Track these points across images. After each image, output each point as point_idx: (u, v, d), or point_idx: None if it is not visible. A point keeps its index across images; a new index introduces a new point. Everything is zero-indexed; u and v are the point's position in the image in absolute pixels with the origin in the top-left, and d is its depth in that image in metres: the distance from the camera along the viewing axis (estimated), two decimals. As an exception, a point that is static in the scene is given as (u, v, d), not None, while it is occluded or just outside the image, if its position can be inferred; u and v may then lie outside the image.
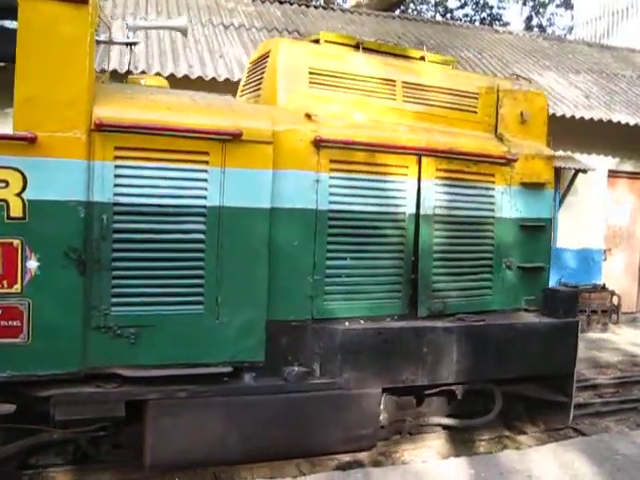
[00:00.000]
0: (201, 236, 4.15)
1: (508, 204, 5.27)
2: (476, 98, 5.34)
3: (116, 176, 3.91)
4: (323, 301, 4.53)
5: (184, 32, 5.07)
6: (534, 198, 5.42)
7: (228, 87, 7.17)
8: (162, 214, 4.05)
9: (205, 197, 4.14)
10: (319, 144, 4.44)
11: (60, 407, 3.85)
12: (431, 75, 5.23)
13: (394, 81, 5.04)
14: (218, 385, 4.17)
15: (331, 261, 4.54)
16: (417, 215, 4.83)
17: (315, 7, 14.09)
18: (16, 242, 3.71)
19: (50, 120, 3.72)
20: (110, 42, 4.84)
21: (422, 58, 5.34)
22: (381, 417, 4.82)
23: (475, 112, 5.34)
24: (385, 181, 4.72)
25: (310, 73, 4.77)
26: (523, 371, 5.07)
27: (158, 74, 7.49)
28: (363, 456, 4.96)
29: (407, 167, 4.79)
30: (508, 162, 5.21)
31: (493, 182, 5.19)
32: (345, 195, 4.58)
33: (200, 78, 8.55)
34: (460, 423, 5.30)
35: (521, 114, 5.45)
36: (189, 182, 4.11)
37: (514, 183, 5.28)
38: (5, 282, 3.70)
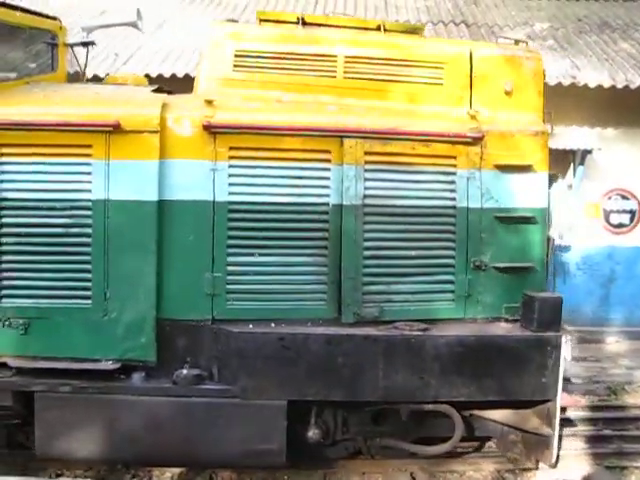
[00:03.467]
0: (87, 230, 4.08)
1: (477, 191, 4.41)
2: (441, 68, 4.54)
3: (-2, 172, 3.99)
4: (225, 301, 4.18)
5: (136, 26, 5.03)
6: (517, 184, 4.48)
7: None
8: (47, 208, 4.05)
9: (90, 190, 4.06)
10: (214, 131, 4.10)
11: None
12: (383, 46, 4.57)
13: (335, 56, 4.49)
14: (103, 382, 4.06)
15: (234, 257, 4.18)
16: (349, 206, 4.24)
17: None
18: None
19: None
20: (66, 45, 4.96)
21: (379, 28, 4.68)
22: (310, 433, 4.35)
23: (440, 84, 4.54)
24: (301, 168, 4.22)
25: (236, 56, 4.44)
26: (481, 394, 4.20)
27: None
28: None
29: (329, 152, 4.23)
30: (474, 141, 4.35)
31: (454, 166, 4.37)
32: (249, 185, 4.18)
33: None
34: (416, 448, 4.58)
35: (504, 83, 4.52)
36: (73, 176, 4.07)
37: (486, 166, 4.41)
38: None
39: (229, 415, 4.06)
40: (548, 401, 4.23)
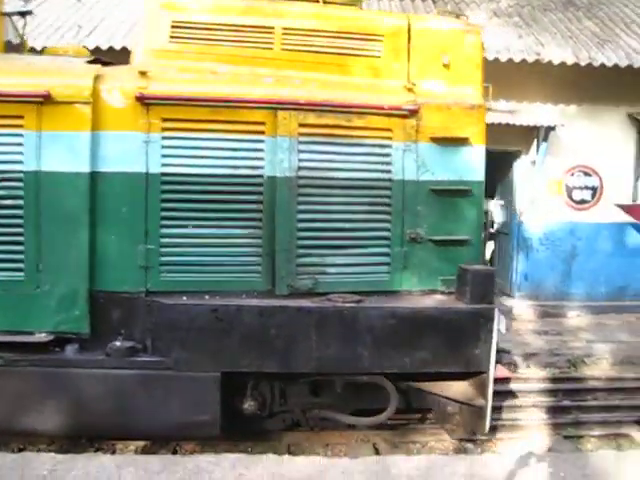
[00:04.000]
0: (19, 202, 4.05)
1: (413, 164, 4.43)
2: (379, 40, 4.53)
3: None
4: (159, 273, 4.19)
5: None
6: (453, 157, 4.50)
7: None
8: (-23, 180, 4.01)
9: (21, 162, 4.02)
10: (147, 102, 4.07)
11: None
12: (322, 18, 4.54)
13: (272, 28, 4.46)
14: (37, 355, 4.06)
15: (167, 229, 4.18)
16: (283, 178, 4.24)
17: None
18: None
19: None
20: (2, 14, 4.88)
21: (317, 0, 4.65)
22: (246, 405, 4.40)
23: (378, 57, 4.53)
24: (234, 140, 4.21)
25: (173, 27, 4.40)
26: (415, 366, 4.25)
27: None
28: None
29: (264, 124, 4.22)
30: (410, 114, 4.36)
31: (389, 138, 4.39)
32: (183, 157, 4.17)
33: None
34: (352, 420, 4.65)
35: (442, 56, 4.52)
36: (4, 147, 4.03)
37: (422, 139, 4.42)
38: None
39: (163, 387, 4.08)
40: (482, 373, 4.29)
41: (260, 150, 4.22)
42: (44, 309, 4.08)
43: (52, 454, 4.03)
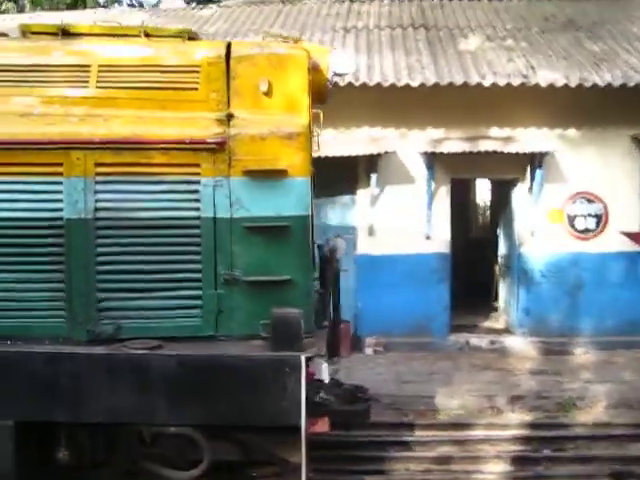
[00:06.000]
0: None
1: (225, 200, 4.16)
2: (197, 72, 4.33)
3: None
4: (-38, 319, 4.14)
5: None
6: (269, 191, 4.19)
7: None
8: None
9: None
10: (-60, 148, 4.09)
11: None
12: (140, 54, 4.42)
13: (89, 66, 4.38)
14: None
15: (-32, 274, 4.14)
16: (79, 220, 4.11)
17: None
18: None
19: None
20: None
21: (146, 35, 4.53)
22: (60, 454, 4.22)
23: (196, 89, 4.33)
24: (32, 183, 4.13)
25: None
26: (215, 419, 3.94)
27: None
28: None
29: (61, 164, 4.12)
30: (219, 147, 4.12)
31: (197, 174, 4.15)
32: (-17, 200, 4.13)
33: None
34: (168, 473, 4.35)
35: (260, 83, 4.26)
36: None
37: (235, 173, 4.16)
38: None
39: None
40: (292, 426, 3.89)
41: (59, 192, 4.12)
42: None
43: None
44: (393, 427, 6.26)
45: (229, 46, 4.38)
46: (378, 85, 8.85)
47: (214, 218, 4.15)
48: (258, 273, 4.17)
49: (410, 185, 9.75)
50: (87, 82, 4.36)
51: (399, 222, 9.51)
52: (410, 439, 6.03)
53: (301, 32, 10.86)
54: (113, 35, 4.58)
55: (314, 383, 4.51)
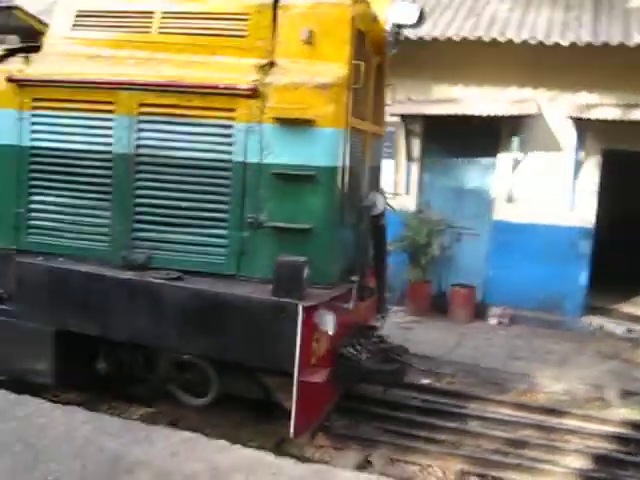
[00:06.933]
0: None
1: (257, 145, 4.27)
2: (245, 20, 4.44)
3: None
4: (27, 235, 4.71)
5: None
6: (298, 140, 4.23)
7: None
8: None
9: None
10: (20, 84, 4.62)
11: None
12: (198, 2, 4.62)
13: (152, 13, 4.67)
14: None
15: (35, 197, 4.69)
16: (123, 155, 4.46)
17: None
18: None
19: None
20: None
21: (207, -17, 4.71)
22: (98, 365, 4.72)
23: (244, 36, 4.45)
24: (90, 118, 4.54)
25: (77, 16, 4.87)
26: (216, 352, 4.18)
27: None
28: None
29: (112, 103, 4.47)
30: (253, 94, 4.23)
31: (232, 118, 4.30)
32: (48, 132, 4.63)
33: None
34: (183, 398, 4.66)
35: (303, 32, 4.28)
36: None
37: (267, 120, 4.25)
38: None
39: (10, 333, 4.60)
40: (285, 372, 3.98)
41: (109, 128, 4.48)
42: None
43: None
44: (479, 400, 5.93)
45: None
46: (525, 43, 8.16)
47: (244, 162, 4.28)
48: (282, 219, 4.25)
49: (556, 152, 8.86)
50: (150, 28, 4.64)
51: (541, 190, 8.80)
52: (493, 416, 5.64)
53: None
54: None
55: (355, 335, 4.68)
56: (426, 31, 8.32)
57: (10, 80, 4.61)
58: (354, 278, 4.63)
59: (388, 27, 4.69)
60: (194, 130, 4.35)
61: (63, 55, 4.72)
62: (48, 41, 4.90)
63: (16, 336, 4.58)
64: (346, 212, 4.44)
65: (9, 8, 5.84)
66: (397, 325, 8.11)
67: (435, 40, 8.30)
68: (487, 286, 9.03)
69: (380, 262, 5.23)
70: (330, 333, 4.13)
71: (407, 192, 9.24)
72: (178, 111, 4.36)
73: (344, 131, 4.27)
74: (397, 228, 8.60)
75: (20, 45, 5.17)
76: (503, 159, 9.01)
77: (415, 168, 9.27)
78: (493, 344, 7.90)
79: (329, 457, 4.76)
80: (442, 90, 8.94)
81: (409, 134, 9.13)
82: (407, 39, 8.03)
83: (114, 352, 4.72)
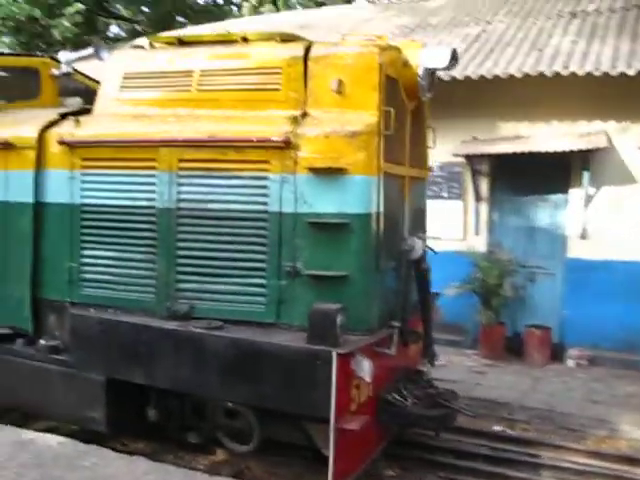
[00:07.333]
0: (-1, 224, 5.26)
1: (291, 195, 4.37)
2: (278, 73, 4.58)
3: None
4: (80, 287, 4.95)
5: (99, 57, 6.04)
6: (331, 188, 4.30)
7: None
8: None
9: (-3, 193, 5.24)
10: (71, 145, 4.91)
11: None
12: (233, 58, 4.80)
13: (191, 72, 4.88)
14: (2, 344, 5.18)
15: (86, 251, 4.93)
16: (165, 210, 4.65)
17: None
18: None
19: None
20: (51, 76, 6.29)
21: (245, 39, 4.90)
22: (149, 412, 4.87)
23: (277, 89, 4.59)
24: (134, 175, 4.76)
25: (124, 78, 5.15)
26: (255, 399, 4.25)
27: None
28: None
29: (154, 160, 4.68)
30: (285, 145, 4.34)
31: (267, 170, 4.42)
32: (96, 190, 4.88)
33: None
34: (229, 445, 4.73)
35: (332, 82, 4.38)
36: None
37: (300, 170, 4.35)
38: None
39: (67, 381, 4.83)
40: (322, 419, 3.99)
41: (152, 184, 4.68)
42: (6, 308, 5.18)
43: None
44: (553, 448, 5.70)
45: (309, 47, 4.54)
46: (590, 74, 7.96)
47: (280, 212, 4.37)
48: (318, 267, 4.30)
49: (630, 184, 8.59)
50: (190, 86, 4.85)
51: (616, 225, 8.56)
52: (568, 465, 5.39)
53: (523, 18, 10.43)
54: (217, 42, 5.00)
55: (401, 380, 4.71)
56: (487, 69, 8.28)
57: (61, 143, 4.90)
58: (395, 323, 4.61)
59: (420, 71, 4.72)
60: (231, 183, 4.49)
61: (111, 116, 4.99)
62: (98, 103, 5.18)
63: (72, 385, 4.80)
64: (382, 258, 4.45)
65: (68, 74, 6.24)
66: (469, 369, 8.01)
67: (497, 78, 8.21)
68: (563, 326, 8.73)
69: (425, 306, 5.18)
70: (367, 380, 4.12)
71: (477, 233, 9.11)
72: (215, 165, 4.51)
73: (376, 178, 4.31)
74: (467, 269, 8.54)
75: (73, 109, 5.51)
76: (575, 194, 8.78)
77: (484, 208, 9.15)
78: (570, 388, 7.58)
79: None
80: (508, 127, 8.87)
81: (476, 174, 9.02)
82: (468, 79, 8.13)
83: (164, 400, 4.85)
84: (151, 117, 4.86)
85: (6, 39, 15.84)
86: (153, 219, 4.69)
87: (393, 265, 4.72)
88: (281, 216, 4.38)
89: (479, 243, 9.04)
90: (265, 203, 4.42)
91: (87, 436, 4.78)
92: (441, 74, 7.95)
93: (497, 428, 6.19)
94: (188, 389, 4.47)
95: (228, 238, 4.51)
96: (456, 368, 7.91)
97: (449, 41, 9.61)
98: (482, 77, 8.17)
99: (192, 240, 4.59)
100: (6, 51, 6.30)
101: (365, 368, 4.08)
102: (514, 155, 8.23)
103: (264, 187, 4.42)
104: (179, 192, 4.59)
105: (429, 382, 5.21)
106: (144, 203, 4.72)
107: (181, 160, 4.58)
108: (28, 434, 4.76)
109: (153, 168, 4.68)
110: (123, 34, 20.64)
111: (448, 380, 7.14)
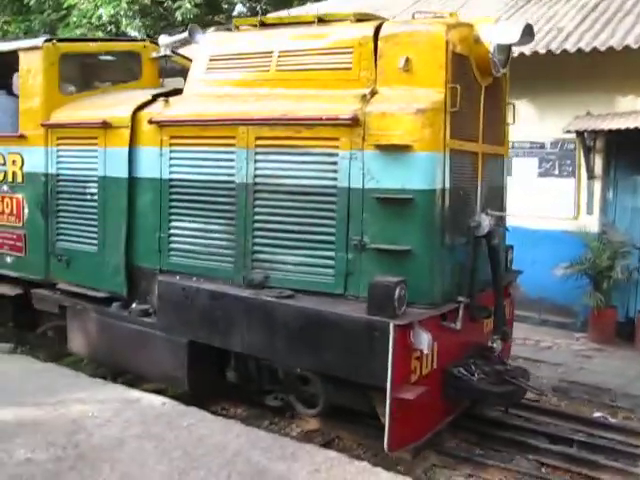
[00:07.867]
0: (95, 197, 5.77)
1: (359, 172, 4.52)
2: (349, 53, 4.72)
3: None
4: (168, 256, 5.37)
5: (194, 41, 6.37)
6: (396, 165, 4.41)
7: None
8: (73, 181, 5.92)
9: (96, 169, 5.74)
10: (160, 124, 5.31)
11: (35, 299, 6.28)
12: (309, 38, 4.98)
13: (270, 52, 5.12)
14: (98, 305, 5.73)
15: (173, 222, 5.33)
16: (243, 184, 4.94)
17: None
18: (20, 197, 6.33)
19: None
20: (150, 59, 6.74)
21: (320, 20, 5.08)
22: (228, 374, 5.24)
23: (349, 69, 4.74)
24: (216, 152, 5.08)
25: (210, 60, 5.48)
26: (316, 365, 4.50)
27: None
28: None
29: (234, 137, 4.97)
30: (353, 123, 4.49)
31: (336, 147, 4.59)
32: (182, 166, 5.25)
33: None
34: (298, 408, 4.99)
35: (400, 60, 4.48)
36: (88, 159, 5.79)
37: (367, 147, 4.49)
38: (16, 219, 6.37)
39: (153, 342, 5.27)
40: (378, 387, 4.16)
41: (232, 160, 4.98)
42: (105, 274, 5.71)
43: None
44: None
45: (380, 26, 4.63)
46: None
47: (348, 188, 4.54)
48: (383, 241, 4.44)
49: None
50: (269, 66, 5.09)
51: None
52: None
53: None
54: (295, 23, 5.20)
55: (472, 355, 4.77)
56: (602, 41, 7.88)
57: (151, 122, 5.29)
58: (461, 299, 4.66)
59: (491, 48, 4.69)
60: (303, 159, 4.70)
61: (197, 96, 5.33)
62: (187, 84, 5.54)
63: (159, 346, 5.23)
64: (448, 233, 4.51)
65: (167, 56, 6.66)
66: (575, 353, 7.81)
67: (612, 49, 7.66)
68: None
69: (497, 283, 5.18)
70: (426, 351, 4.23)
71: (589, 212, 8.75)
72: (289, 142, 4.73)
73: (441, 154, 4.37)
74: (578, 250, 8.30)
75: (164, 90, 5.91)
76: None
77: (597, 186, 8.73)
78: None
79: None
80: (626, 102, 8.36)
81: (590, 150, 8.59)
82: (581, 51, 7.67)
83: (242, 363, 5.18)
84: (233, 97, 5.14)
85: (134, 23, 16.64)
86: (232, 193, 4.99)
87: (462, 241, 4.75)
88: (349, 191, 4.54)
89: (591, 223, 8.63)
90: (335, 179, 4.59)
91: (190, 399, 5.17)
92: (553, 47, 7.77)
93: (597, 414, 6.03)
94: (260, 354, 4.77)
95: (300, 212, 4.72)
96: (561, 351, 7.80)
97: (564, 12, 9.18)
98: (595, 49, 7.74)
99: (267, 213, 4.85)
100: (113, 37, 6.76)
101: (424, 340, 4.18)
102: (632, 131, 7.68)
103: (334, 163, 4.59)
104: (256, 168, 4.85)
105: (501, 359, 5.22)
106: (224, 178, 5.03)
107: (258, 138, 4.83)
108: (135, 393, 5.29)
109: (233, 145, 4.97)
110: (248, 13, 20.93)
111: (550, 362, 7.22)
